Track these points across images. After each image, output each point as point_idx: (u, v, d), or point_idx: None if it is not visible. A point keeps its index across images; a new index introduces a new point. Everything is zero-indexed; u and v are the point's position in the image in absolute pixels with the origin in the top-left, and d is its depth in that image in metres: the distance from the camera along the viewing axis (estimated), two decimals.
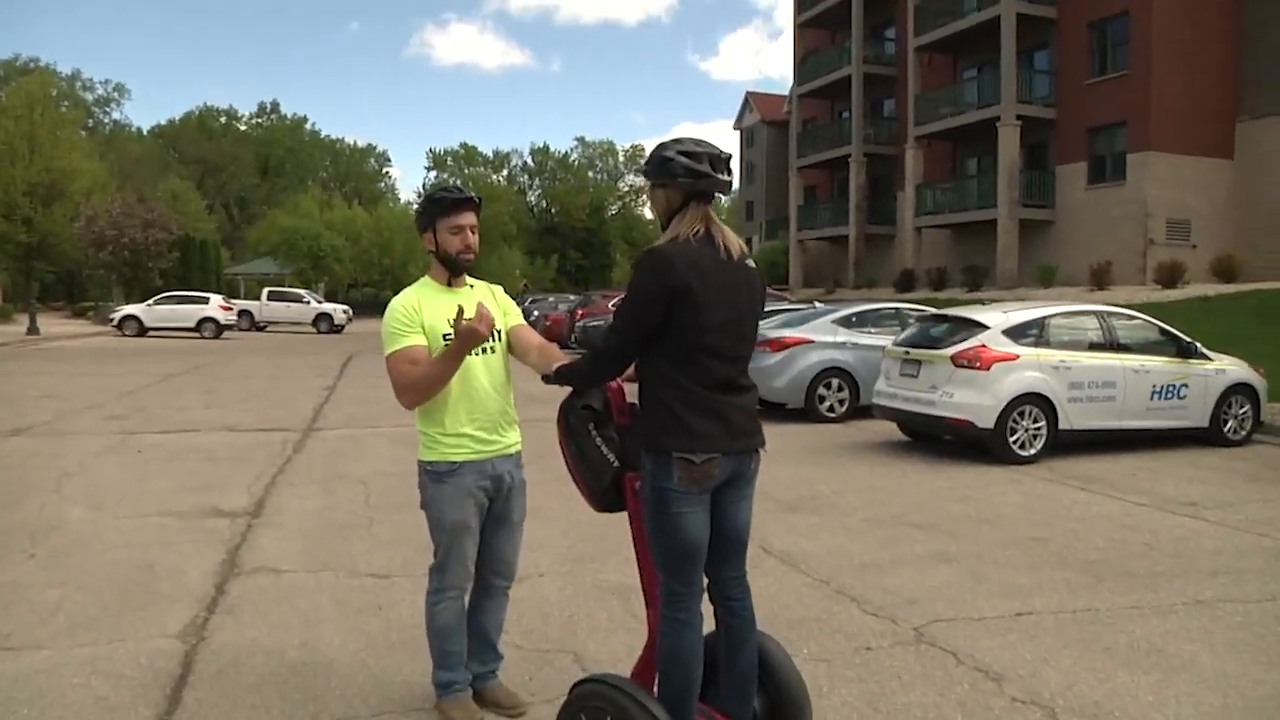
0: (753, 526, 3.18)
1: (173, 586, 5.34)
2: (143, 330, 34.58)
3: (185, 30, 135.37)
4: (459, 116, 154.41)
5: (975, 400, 9.52)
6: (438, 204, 3.53)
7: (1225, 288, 24.76)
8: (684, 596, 2.96)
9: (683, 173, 2.91)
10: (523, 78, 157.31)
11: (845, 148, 40.01)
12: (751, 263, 3.06)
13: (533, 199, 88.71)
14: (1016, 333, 9.91)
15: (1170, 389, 10.37)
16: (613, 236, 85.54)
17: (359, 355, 25.47)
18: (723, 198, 3.00)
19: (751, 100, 66.29)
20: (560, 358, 3.38)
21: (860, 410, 12.70)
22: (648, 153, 3.06)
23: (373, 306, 66.67)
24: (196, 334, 34.43)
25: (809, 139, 44.05)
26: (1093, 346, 10.16)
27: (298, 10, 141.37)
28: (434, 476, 3.53)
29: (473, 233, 3.55)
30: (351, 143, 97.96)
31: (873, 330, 13.33)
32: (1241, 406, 10.84)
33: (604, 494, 3.14)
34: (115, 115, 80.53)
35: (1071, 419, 9.82)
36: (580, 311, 27.70)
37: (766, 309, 16.00)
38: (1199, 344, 10.81)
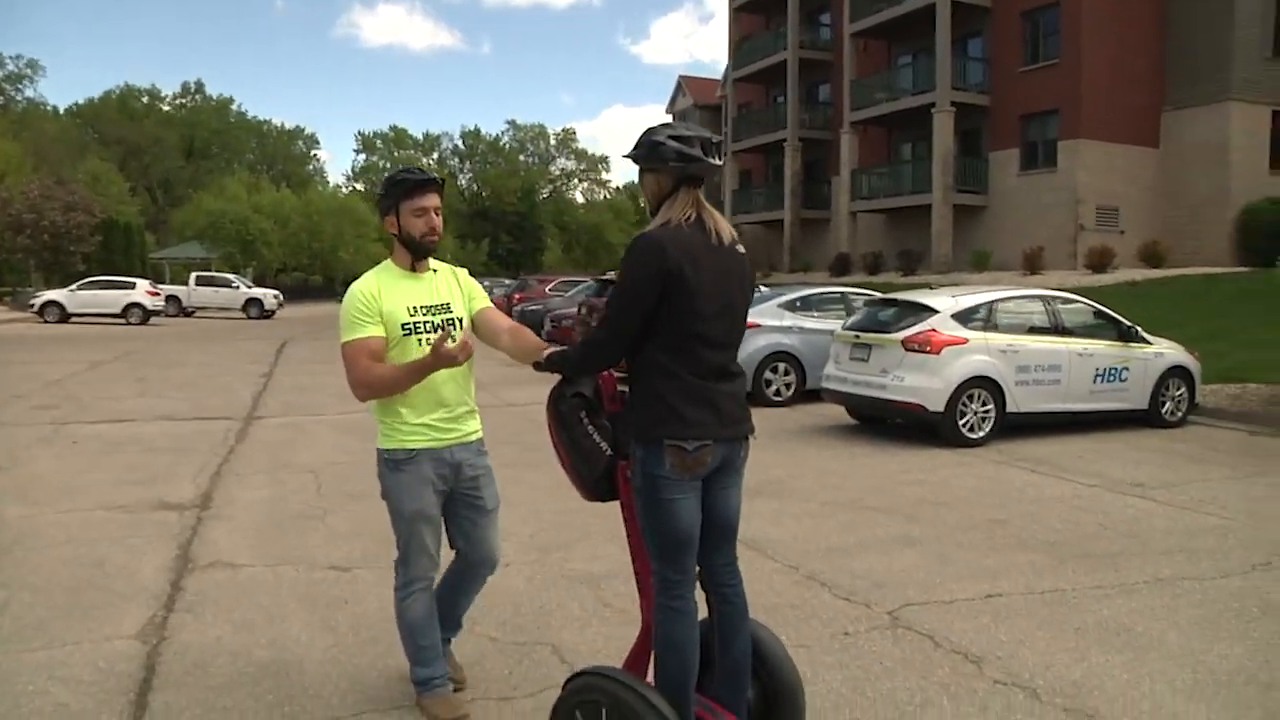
0: None
1: (125, 584, 5.14)
2: (65, 316, 33.45)
3: (103, 6, 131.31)
4: (388, 98, 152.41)
5: (926, 384, 9.60)
6: (400, 186, 3.42)
7: (1152, 273, 25.42)
8: (678, 584, 2.94)
9: (674, 157, 2.87)
10: (452, 60, 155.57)
11: (780, 132, 40.19)
12: (741, 248, 3.03)
13: (463, 183, 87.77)
14: (965, 317, 10.01)
15: (1112, 372, 10.56)
16: (544, 220, 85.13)
17: (293, 341, 24.99)
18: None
19: (684, 84, 66.21)
20: (533, 340, 3.37)
21: (806, 394, 12.76)
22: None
23: (303, 291, 65.67)
24: (122, 320, 33.39)
25: (744, 123, 44.18)
26: (1039, 330, 10.31)
27: None
28: (391, 465, 3.46)
29: (436, 214, 3.46)
30: (279, 124, 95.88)
31: (818, 314, 13.39)
32: (1178, 389, 11.08)
33: (596, 483, 3.07)
34: (29, 93, 77.55)
35: (1019, 402, 9.95)
36: (517, 296, 27.51)
37: None
38: (1139, 328, 11.03)
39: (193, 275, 43.38)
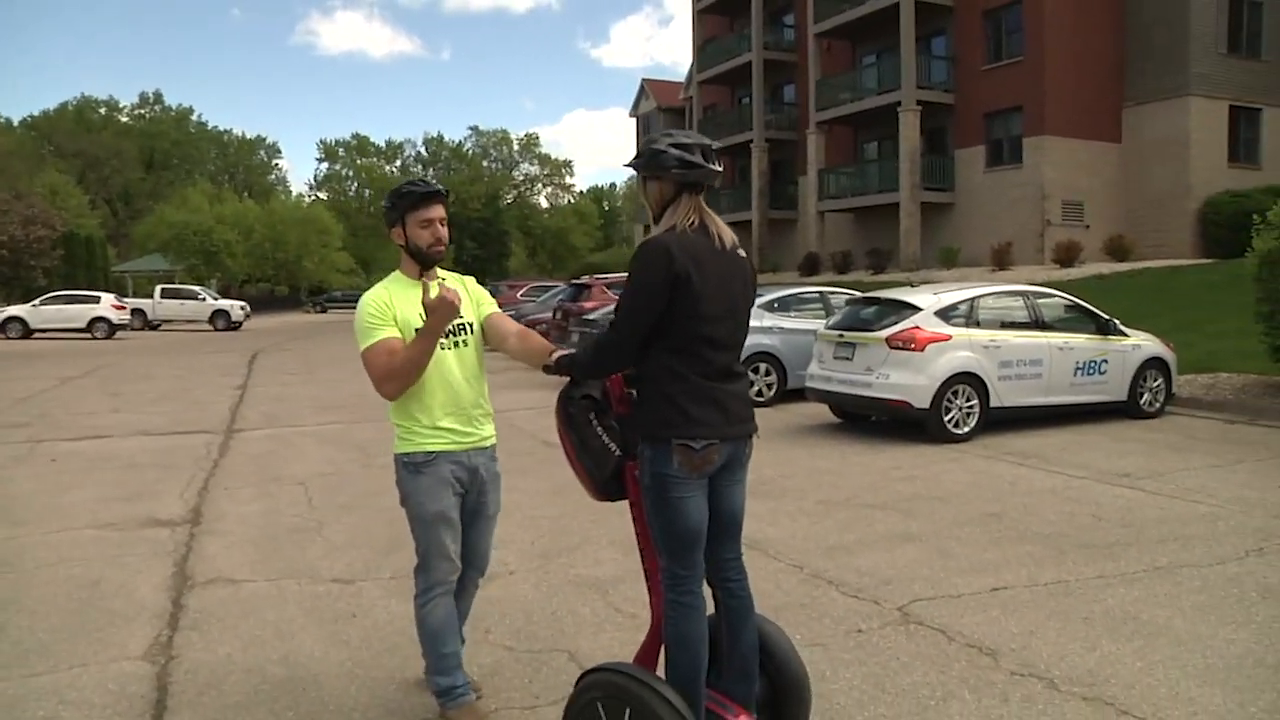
0: None
1: (125, 604, 5.05)
2: (28, 332, 32.94)
3: (56, 16, 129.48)
4: (349, 106, 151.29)
5: (911, 381, 9.65)
6: (406, 198, 3.47)
7: (1119, 266, 25.72)
8: (686, 579, 3.00)
9: (676, 164, 2.94)
10: (413, 66, 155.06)
11: (747, 134, 40.29)
12: (743, 252, 3.11)
13: None
14: (947, 313, 10.08)
15: (1092, 365, 10.67)
16: (509, 225, 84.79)
17: (264, 352, 24.76)
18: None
19: (648, 87, 66.22)
20: (541, 343, 3.41)
21: (787, 394, 12.80)
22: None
23: (268, 302, 65.05)
24: (88, 335, 32.94)
25: (710, 125, 44.20)
26: (1019, 325, 10.40)
27: None
28: (411, 469, 3.49)
29: (442, 225, 3.52)
30: (240, 134, 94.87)
31: (797, 314, 13.43)
32: (1155, 380, 11.22)
33: (606, 483, 3.13)
34: None
35: (1002, 397, 10.03)
36: None
37: None
38: (1116, 321, 11.15)
39: (158, 288, 42.77)
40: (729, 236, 3.03)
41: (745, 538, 6.09)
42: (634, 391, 3.09)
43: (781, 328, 13.07)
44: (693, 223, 2.96)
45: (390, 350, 3.38)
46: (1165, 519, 6.58)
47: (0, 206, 40.68)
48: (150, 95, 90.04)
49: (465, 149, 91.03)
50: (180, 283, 48.24)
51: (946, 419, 9.71)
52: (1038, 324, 10.50)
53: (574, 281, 23.84)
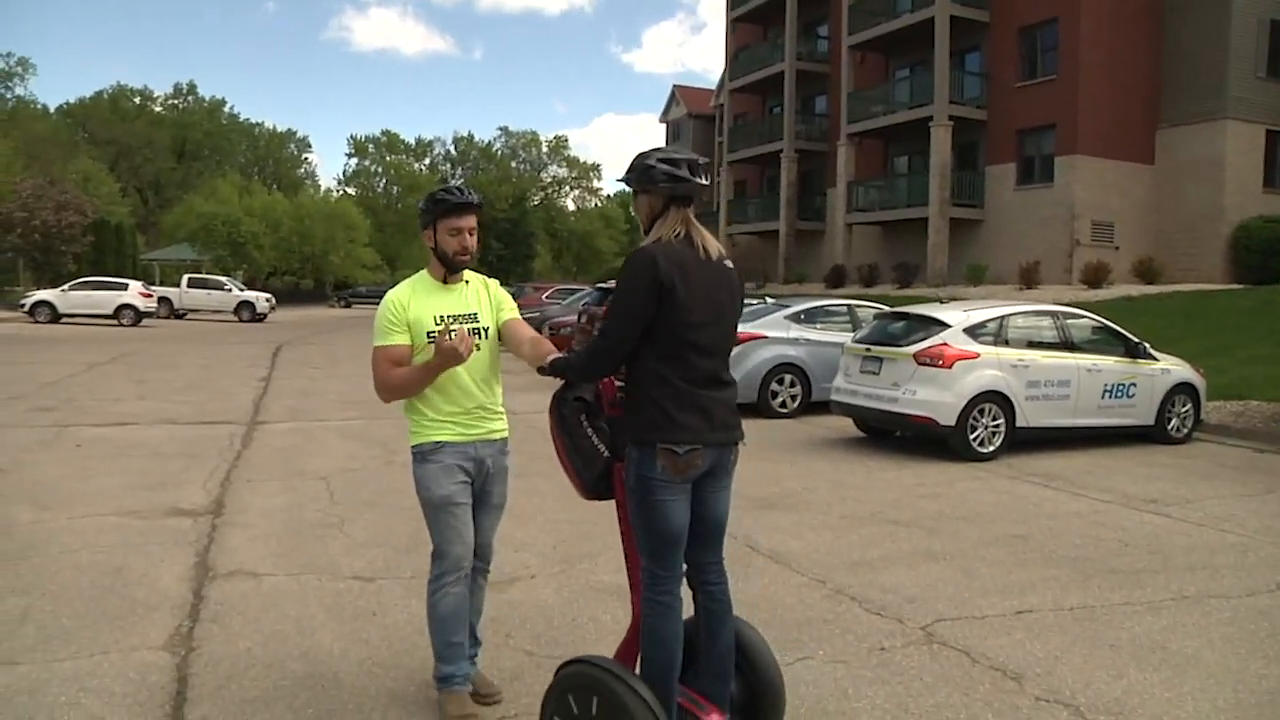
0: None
1: (147, 592, 5.06)
2: (56, 317, 33.20)
3: (96, 5, 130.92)
4: (380, 103, 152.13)
5: (937, 398, 9.58)
6: (440, 205, 3.62)
7: (1148, 289, 25.49)
8: (665, 580, 3.10)
9: (663, 178, 3.08)
10: (445, 65, 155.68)
11: (777, 143, 40.20)
12: (730, 263, 3.21)
13: None
14: (976, 331, 10.00)
15: (1120, 388, 10.57)
16: (535, 227, 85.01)
17: (288, 345, 24.87)
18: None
19: (678, 94, 66.36)
20: (549, 350, 3.48)
21: (811, 406, 12.74)
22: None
23: (293, 295, 65.44)
24: (114, 321, 33.16)
25: (740, 134, 44.20)
26: (1048, 346, 10.30)
27: None
28: (419, 458, 3.65)
29: (471, 235, 3.65)
30: (271, 127, 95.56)
31: (824, 326, 13.37)
32: (1184, 405, 11.10)
33: (594, 483, 3.24)
34: (19, 91, 77.04)
35: (1029, 417, 9.95)
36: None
37: None
38: (1146, 344, 11.04)
39: (185, 277, 43.06)
40: (715, 247, 3.15)
41: (768, 550, 6.12)
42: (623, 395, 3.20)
43: (808, 339, 13.02)
44: (679, 234, 3.09)
45: (393, 359, 3.57)
46: (1193, 547, 6.50)
47: (34, 192, 41.04)
48: (184, 86, 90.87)
49: (494, 149, 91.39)
50: (207, 273, 48.61)
51: (972, 437, 9.64)
52: (1067, 345, 10.40)
53: (599, 285, 23.86)
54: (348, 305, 63.33)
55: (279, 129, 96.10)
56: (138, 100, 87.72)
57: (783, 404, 12.72)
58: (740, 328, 12.75)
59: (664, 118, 68.04)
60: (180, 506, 7.00)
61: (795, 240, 39.65)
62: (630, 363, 3.09)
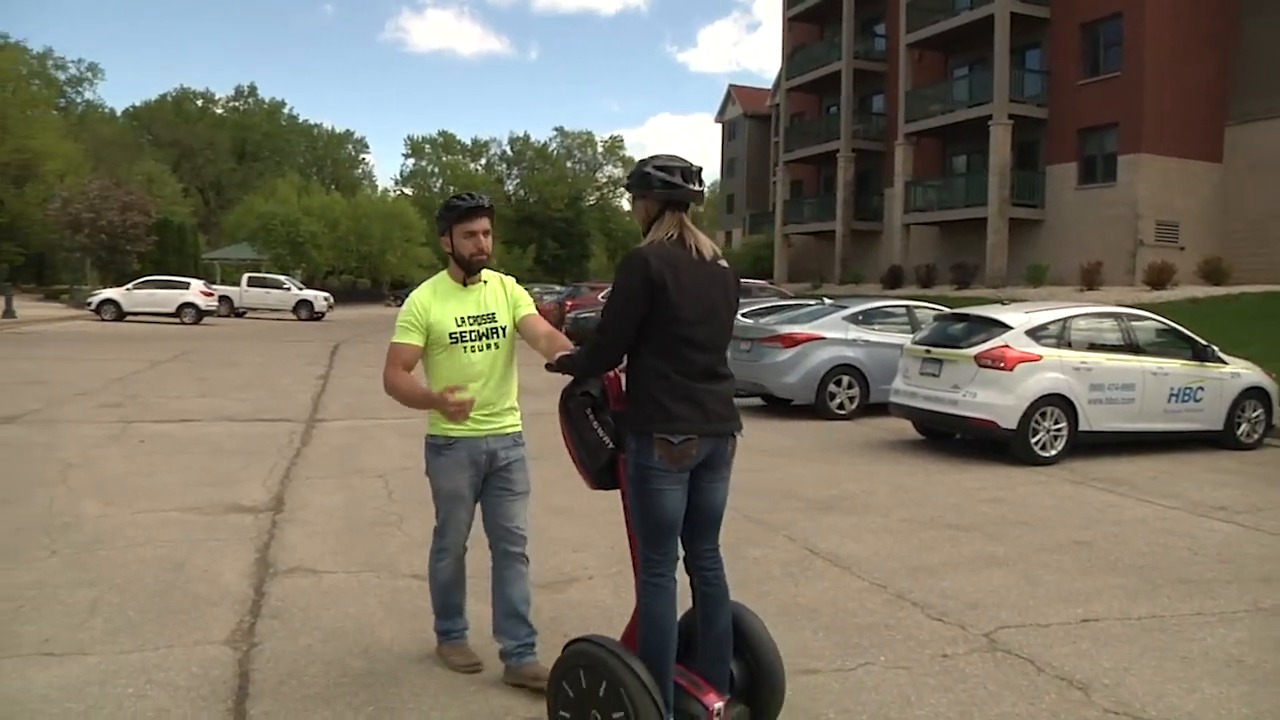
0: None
1: (208, 588, 5.12)
2: (121, 315, 33.90)
3: (160, 10, 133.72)
4: (436, 103, 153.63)
5: (999, 400, 9.42)
6: (454, 211, 3.90)
7: (1214, 290, 24.86)
8: (659, 563, 3.29)
9: (658, 185, 3.26)
10: (500, 65, 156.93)
11: (833, 143, 39.90)
12: (724, 262, 3.38)
13: (510, 188, 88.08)
14: (1038, 333, 9.82)
15: (1187, 392, 10.32)
16: (590, 227, 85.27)
17: (345, 343, 25.15)
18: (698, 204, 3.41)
19: (734, 93, 66.24)
20: (566, 345, 3.66)
21: (869, 408, 12.61)
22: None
23: (351, 294, 66.18)
24: (176, 319, 33.80)
25: (796, 133, 43.92)
26: (1112, 348, 10.09)
27: None
28: (434, 449, 3.98)
29: (485, 236, 3.90)
30: (329, 128, 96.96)
31: (882, 328, 13.21)
32: (1255, 410, 10.81)
33: (599, 473, 3.41)
34: (88, 95, 78.99)
35: (1091, 420, 9.74)
36: (570, 303, 27.55)
37: (778, 304, 15.79)
38: (1214, 347, 10.77)
39: (245, 276, 43.76)
40: (708, 248, 3.30)
41: (827, 553, 6.05)
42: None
43: (866, 340, 12.88)
44: (672, 236, 3.26)
45: (405, 357, 3.87)
46: (1267, 557, 6.31)
47: (101, 193, 41.93)
48: (245, 88, 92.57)
49: (550, 149, 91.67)
50: (266, 272, 49.34)
51: (1033, 441, 9.47)
52: (1131, 347, 10.17)
53: None
54: (403, 304, 63.84)
55: (337, 130, 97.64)
56: (200, 102, 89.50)
57: (840, 405, 12.60)
58: (798, 328, 12.87)
59: (719, 117, 67.95)
60: (241, 503, 7.10)
61: (852, 240, 39.32)
62: (630, 359, 3.26)
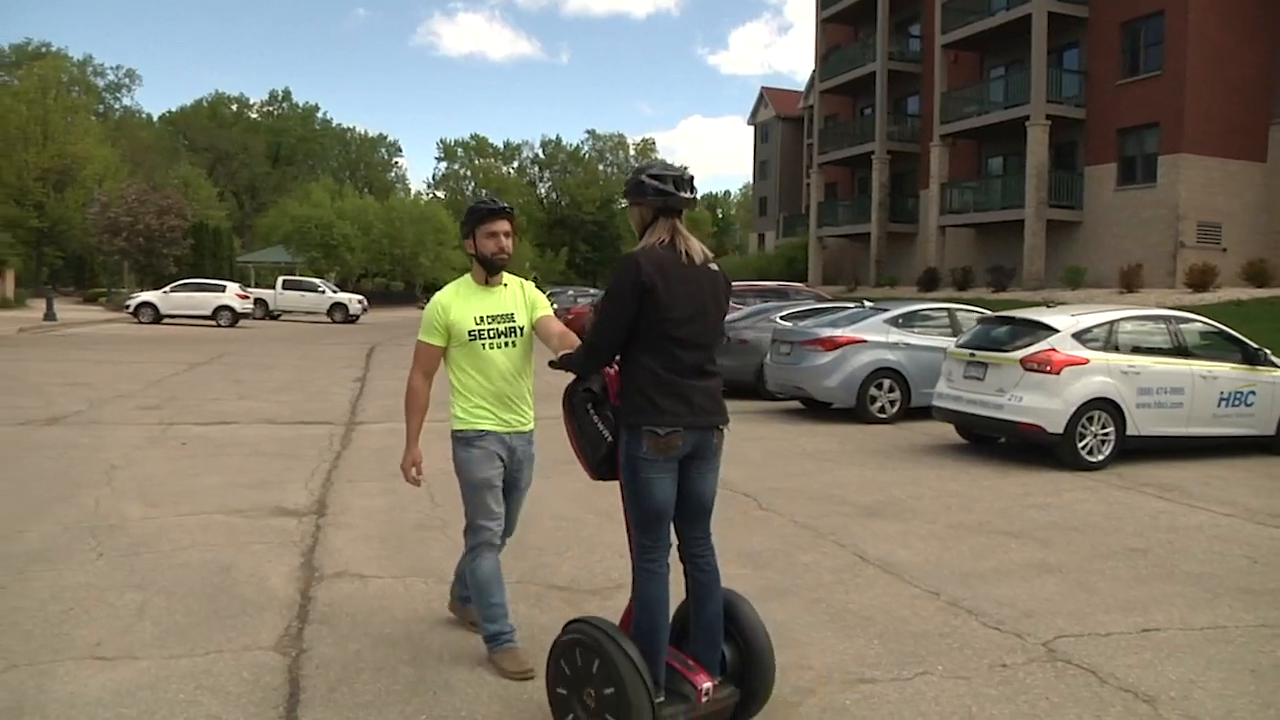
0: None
1: (255, 592, 5.11)
2: (158, 317, 34.26)
3: (196, 17, 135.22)
4: (468, 107, 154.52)
5: (1045, 404, 9.26)
6: (476, 214, 4.19)
7: (1258, 292, 24.44)
8: (651, 549, 3.46)
9: (651, 192, 3.43)
10: (532, 69, 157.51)
11: (868, 145, 39.59)
12: (715, 266, 3.55)
13: (543, 191, 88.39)
14: (1085, 336, 9.64)
15: (1238, 396, 10.11)
16: (622, 230, 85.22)
17: (380, 346, 25.24)
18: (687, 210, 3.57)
19: (767, 95, 66.03)
20: (574, 344, 3.80)
21: (910, 411, 12.47)
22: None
23: (384, 297, 66.59)
24: (212, 322, 34.11)
25: (830, 135, 43.63)
26: (1161, 351, 9.90)
27: None
28: (464, 443, 4.17)
29: (506, 237, 4.17)
30: (362, 132, 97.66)
31: (923, 331, 13.06)
32: None
33: (599, 464, 3.55)
34: (126, 101, 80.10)
35: (1139, 425, 9.56)
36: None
37: (816, 307, 15.62)
38: (1266, 351, 10.54)
39: (279, 279, 44.12)
40: (699, 251, 3.47)
41: (877, 560, 5.95)
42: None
43: (907, 344, 12.73)
44: (664, 240, 3.42)
45: (429, 360, 4.23)
46: None
47: (139, 197, 42.42)
48: (279, 93, 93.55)
49: (581, 152, 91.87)
50: (301, 275, 49.70)
51: (1080, 445, 9.30)
52: (1180, 351, 9.97)
53: None
54: None
55: (370, 134, 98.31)
56: (235, 107, 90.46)
57: (881, 409, 12.46)
58: (839, 332, 12.76)
59: (752, 120, 67.76)
60: (284, 506, 7.09)
61: (887, 243, 38.97)
62: (623, 356, 3.43)
